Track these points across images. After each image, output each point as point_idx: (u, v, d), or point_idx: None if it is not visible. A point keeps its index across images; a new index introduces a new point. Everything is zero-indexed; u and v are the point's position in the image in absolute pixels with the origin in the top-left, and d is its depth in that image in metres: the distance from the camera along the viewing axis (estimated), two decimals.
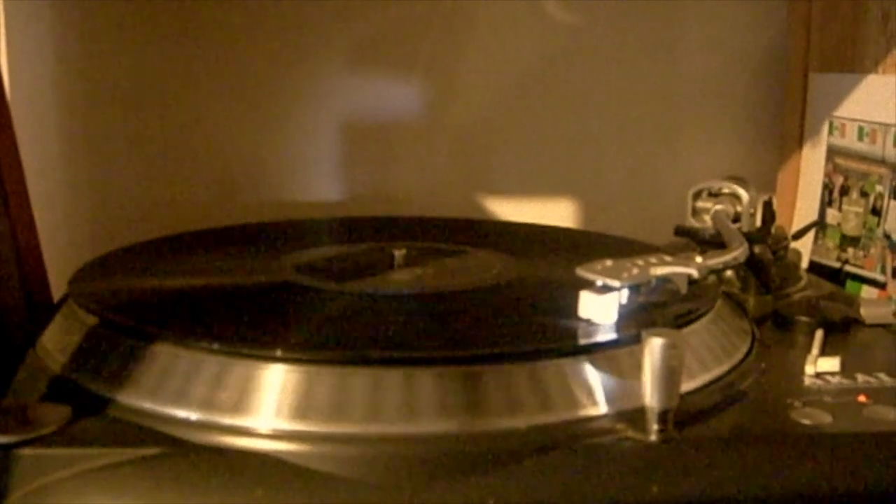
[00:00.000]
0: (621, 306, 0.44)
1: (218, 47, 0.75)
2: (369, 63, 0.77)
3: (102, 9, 0.72)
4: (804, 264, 0.71)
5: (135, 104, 0.74)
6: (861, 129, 0.69)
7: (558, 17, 0.78)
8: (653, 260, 0.46)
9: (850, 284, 0.68)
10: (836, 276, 0.69)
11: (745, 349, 0.48)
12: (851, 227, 0.69)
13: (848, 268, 0.69)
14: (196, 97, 0.75)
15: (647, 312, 0.45)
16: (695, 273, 0.46)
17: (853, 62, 0.71)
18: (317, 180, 0.78)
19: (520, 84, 0.79)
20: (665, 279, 0.46)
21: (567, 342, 0.41)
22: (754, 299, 0.57)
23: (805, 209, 0.76)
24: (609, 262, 0.45)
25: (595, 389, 0.40)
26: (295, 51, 0.76)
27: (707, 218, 0.62)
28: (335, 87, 0.77)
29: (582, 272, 0.44)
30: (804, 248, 0.72)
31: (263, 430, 0.37)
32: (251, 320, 0.44)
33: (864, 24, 0.70)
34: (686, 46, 0.80)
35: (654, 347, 0.37)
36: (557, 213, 0.81)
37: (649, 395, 0.37)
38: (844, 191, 0.70)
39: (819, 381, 0.44)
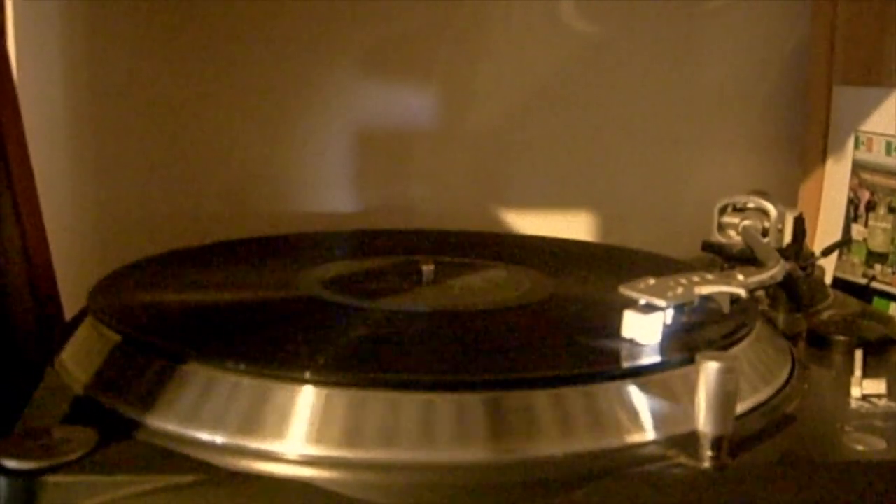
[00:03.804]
0: (665, 326, 0.42)
1: (230, 56, 0.73)
2: (384, 72, 0.76)
3: (113, 19, 0.71)
4: (827, 280, 0.70)
5: (146, 114, 0.73)
6: (889, 144, 0.67)
7: (576, 26, 0.77)
8: (696, 278, 0.45)
9: (876, 301, 0.67)
10: (862, 293, 0.68)
11: (787, 370, 0.46)
12: (878, 243, 0.68)
13: (875, 284, 0.68)
14: (208, 107, 0.74)
15: (692, 333, 0.43)
16: (742, 292, 0.44)
17: (879, 76, 0.70)
18: (330, 191, 0.77)
19: (537, 94, 0.78)
20: (706, 298, 0.45)
21: (620, 365, 0.40)
22: (784, 317, 0.56)
23: (828, 224, 0.74)
24: (652, 281, 0.43)
25: (644, 414, 0.38)
26: (308, 60, 0.74)
27: (733, 233, 0.61)
28: (349, 96, 0.76)
29: (626, 290, 0.43)
30: (828, 264, 0.71)
31: (299, 456, 0.35)
32: (285, 340, 0.42)
33: (890, 38, 0.69)
34: (706, 57, 0.79)
35: (709, 371, 0.35)
36: (574, 225, 0.79)
37: (703, 420, 0.36)
38: (871, 206, 0.69)
39: (866, 404, 0.43)
